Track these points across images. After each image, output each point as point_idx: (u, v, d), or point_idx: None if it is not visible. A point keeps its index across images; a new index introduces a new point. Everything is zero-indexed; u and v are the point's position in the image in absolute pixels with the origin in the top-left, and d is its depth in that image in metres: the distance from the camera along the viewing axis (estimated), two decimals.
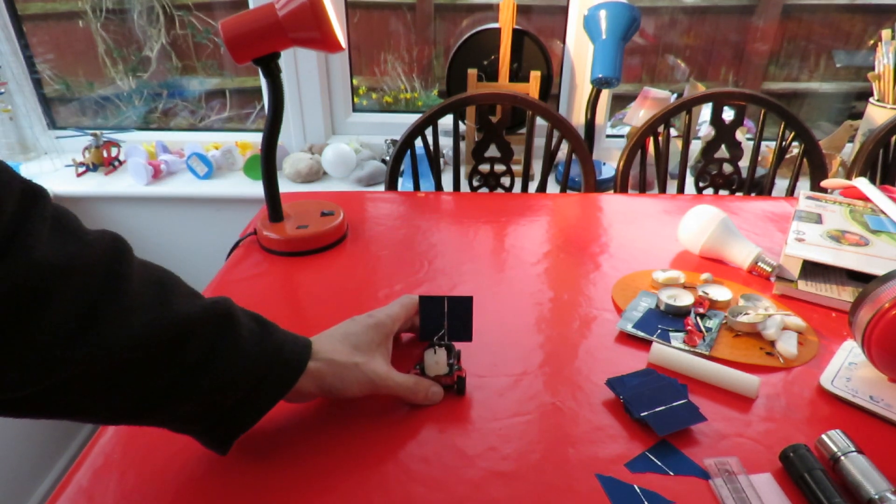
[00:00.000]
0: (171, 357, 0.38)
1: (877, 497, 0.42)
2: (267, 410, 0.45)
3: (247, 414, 0.44)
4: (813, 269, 0.73)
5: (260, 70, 0.72)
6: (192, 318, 0.39)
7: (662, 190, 1.26)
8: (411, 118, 1.22)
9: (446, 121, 1.24)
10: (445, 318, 0.54)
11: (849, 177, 1.17)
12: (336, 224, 0.84)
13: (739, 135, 1.25)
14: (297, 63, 1.57)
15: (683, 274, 0.73)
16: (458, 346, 0.58)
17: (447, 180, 1.36)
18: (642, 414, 0.50)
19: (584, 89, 1.63)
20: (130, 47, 1.72)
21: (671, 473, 0.46)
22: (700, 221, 0.79)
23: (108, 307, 0.36)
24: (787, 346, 0.60)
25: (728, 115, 1.25)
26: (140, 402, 0.39)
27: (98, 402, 0.37)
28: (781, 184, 1.36)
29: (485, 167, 1.26)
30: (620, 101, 1.75)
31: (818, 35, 1.69)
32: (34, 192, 0.35)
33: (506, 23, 1.47)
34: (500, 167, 1.25)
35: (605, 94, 1.62)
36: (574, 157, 1.22)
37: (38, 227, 0.34)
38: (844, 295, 0.69)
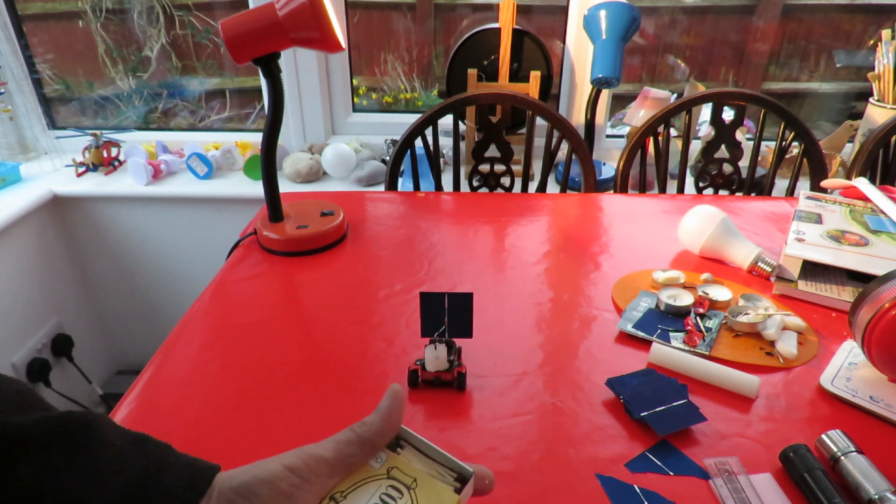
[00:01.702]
0: None
1: (877, 497, 0.42)
2: None
3: None
4: (813, 269, 0.73)
5: (260, 70, 0.72)
6: (23, 429, 0.31)
7: (662, 190, 1.26)
8: (411, 118, 1.22)
9: (446, 121, 1.24)
10: (446, 315, 0.54)
11: (849, 177, 1.17)
12: (336, 224, 0.84)
13: (739, 135, 1.25)
14: (297, 63, 1.57)
15: (683, 274, 0.73)
16: (458, 342, 0.58)
17: (447, 180, 1.36)
18: (642, 414, 0.50)
19: (584, 89, 1.63)
20: (130, 47, 1.72)
21: (671, 473, 0.46)
22: (700, 221, 0.79)
23: None
24: (787, 346, 0.60)
25: (728, 115, 1.25)
26: None
27: None
28: (781, 184, 1.36)
29: (485, 167, 1.26)
30: (620, 101, 1.75)
31: (818, 35, 1.69)
32: None
33: (506, 23, 1.47)
34: (500, 167, 1.25)
35: (605, 94, 1.62)
36: (574, 157, 1.22)
37: None
38: (844, 295, 0.69)
